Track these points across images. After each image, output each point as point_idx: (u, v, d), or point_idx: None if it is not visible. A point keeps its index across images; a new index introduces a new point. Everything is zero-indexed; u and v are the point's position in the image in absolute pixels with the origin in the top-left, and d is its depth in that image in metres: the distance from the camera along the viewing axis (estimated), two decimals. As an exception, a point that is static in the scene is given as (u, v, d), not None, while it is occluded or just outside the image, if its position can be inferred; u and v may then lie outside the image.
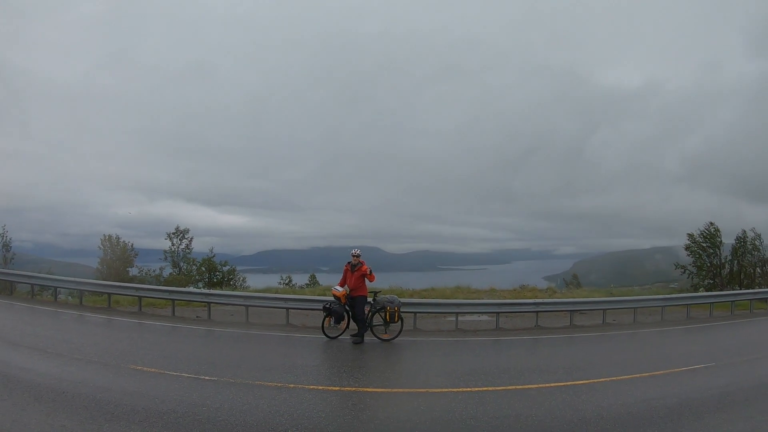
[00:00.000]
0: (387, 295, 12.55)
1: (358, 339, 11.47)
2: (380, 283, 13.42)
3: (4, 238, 22.58)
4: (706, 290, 23.63)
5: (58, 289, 17.30)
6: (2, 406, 6.01)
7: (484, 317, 15.63)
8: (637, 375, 8.76)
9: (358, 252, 11.90)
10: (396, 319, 11.90)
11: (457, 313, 14.82)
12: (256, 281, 30.65)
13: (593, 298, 17.94)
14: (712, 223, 26.72)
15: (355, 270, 11.72)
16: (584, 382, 8.21)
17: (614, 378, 8.52)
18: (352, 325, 11.90)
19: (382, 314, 11.86)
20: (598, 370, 9.21)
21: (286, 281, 28.83)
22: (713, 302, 18.37)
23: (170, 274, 25.38)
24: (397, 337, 11.97)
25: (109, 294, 16.28)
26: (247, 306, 14.73)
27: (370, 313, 11.92)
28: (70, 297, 17.69)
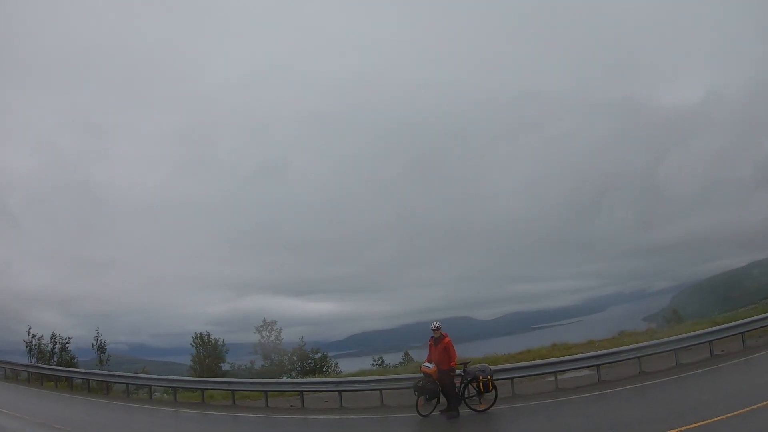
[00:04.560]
0: (477, 365, 11.82)
1: (452, 413, 10.75)
2: (475, 352, 12.63)
3: (99, 341, 23.93)
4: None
5: (153, 387, 17.89)
6: None
7: (585, 372, 14.19)
8: (755, 406, 7.78)
9: (437, 325, 11.33)
10: (490, 387, 11.11)
11: (555, 372, 13.56)
12: (348, 365, 30.02)
13: (695, 331, 15.73)
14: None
15: (438, 343, 11.20)
16: (698, 424, 7.40)
17: (731, 414, 7.60)
18: (442, 399, 11.16)
19: (475, 384, 11.13)
20: (712, 409, 8.14)
21: (379, 362, 28.12)
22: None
23: (262, 366, 25.51)
24: (492, 405, 11.11)
25: (203, 389, 16.62)
26: (339, 391, 14.24)
27: (462, 385, 11.21)
28: (165, 394, 18.09)
